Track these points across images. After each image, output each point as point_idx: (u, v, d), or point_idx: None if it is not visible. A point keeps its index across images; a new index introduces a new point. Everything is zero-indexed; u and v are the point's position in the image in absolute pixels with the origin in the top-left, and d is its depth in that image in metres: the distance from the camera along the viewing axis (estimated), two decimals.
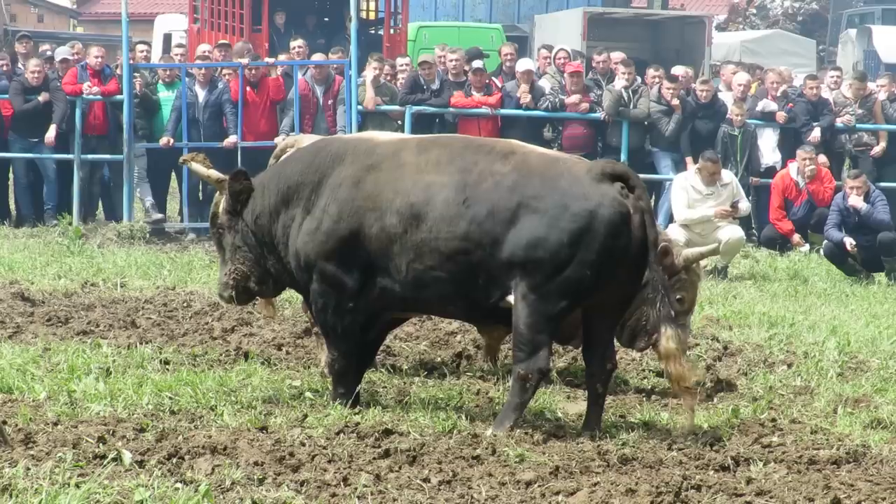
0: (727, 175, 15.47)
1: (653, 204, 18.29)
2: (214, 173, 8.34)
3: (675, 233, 15.08)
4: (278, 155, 9.33)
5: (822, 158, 17.65)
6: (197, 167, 8.36)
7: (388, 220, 7.70)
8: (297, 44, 19.29)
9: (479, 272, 7.57)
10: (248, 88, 17.81)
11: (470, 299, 7.70)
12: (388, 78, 18.56)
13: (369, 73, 18.20)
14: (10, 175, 18.49)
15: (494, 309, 7.69)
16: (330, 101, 18.08)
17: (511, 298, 7.54)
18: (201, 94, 17.75)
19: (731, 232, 15.12)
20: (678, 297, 8.39)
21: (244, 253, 8.22)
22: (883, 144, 18.55)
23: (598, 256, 7.41)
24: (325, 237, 7.85)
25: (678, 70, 19.58)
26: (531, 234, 7.45)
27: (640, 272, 7.64)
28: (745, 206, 15.47)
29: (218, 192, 8.33)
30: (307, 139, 9.58)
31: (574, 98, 18.11)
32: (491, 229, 7.51)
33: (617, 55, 19.60)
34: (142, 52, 19.02)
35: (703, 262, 9.41)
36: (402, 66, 19.06)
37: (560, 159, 7.88)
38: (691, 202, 15.14)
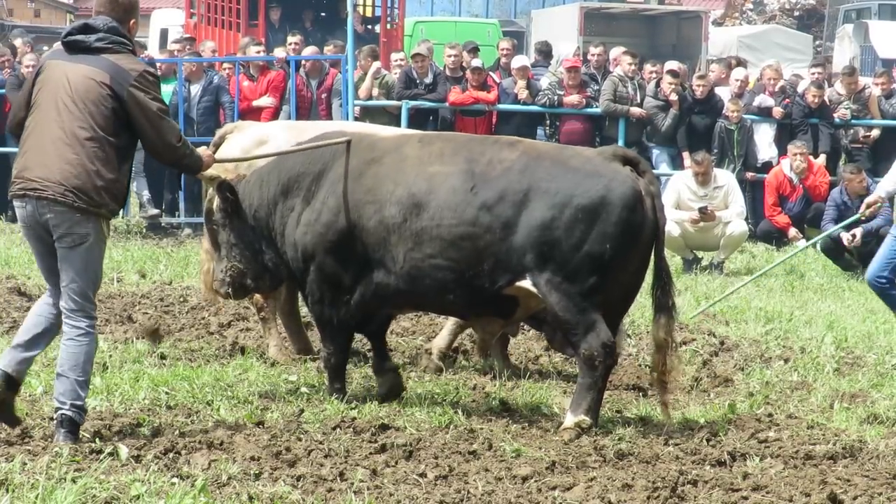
0: (723, 177, 15.38)
1: None
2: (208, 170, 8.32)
3: (668, 227, 15.09)
4: (217, 143, 9.26)
5: (822, 158, 17.64)
6: None
7: (387, 211, 7.71)
8: (293, 39, 19.25)
9: (485, 257, 7.54)
10: (244, 84, 17.80)
11: (472, 287, 7.63)
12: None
13: (360, 58, 18.13)
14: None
15: (495, 297, 7.66)
16: (324, 95, 18.05)
17: (525, 284, 7.50)
18: (195, 88, 17.72)
19: (733, 227, 15.10)
20: None
21: (240, 250, 8.20)
22: (878, 132, 18.49)
23: (616, 228, 7.41)
24: (324, 229, 7.85)
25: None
26: (545, 215, 7.44)
27: (647, 258, 7.62)
28: (729, 212, 15.13)
29: (209, 188, 8.31)
30: (247, 125, 9.70)
31: (572, 98, 18.03)
32: (502, 213, 7.50)
33: (617, 49, 19.60)
34: None
35: None
36: (396, 60, 19.00)
37: (568, 146, 8.30)
38: (683, 202, 15.10)
